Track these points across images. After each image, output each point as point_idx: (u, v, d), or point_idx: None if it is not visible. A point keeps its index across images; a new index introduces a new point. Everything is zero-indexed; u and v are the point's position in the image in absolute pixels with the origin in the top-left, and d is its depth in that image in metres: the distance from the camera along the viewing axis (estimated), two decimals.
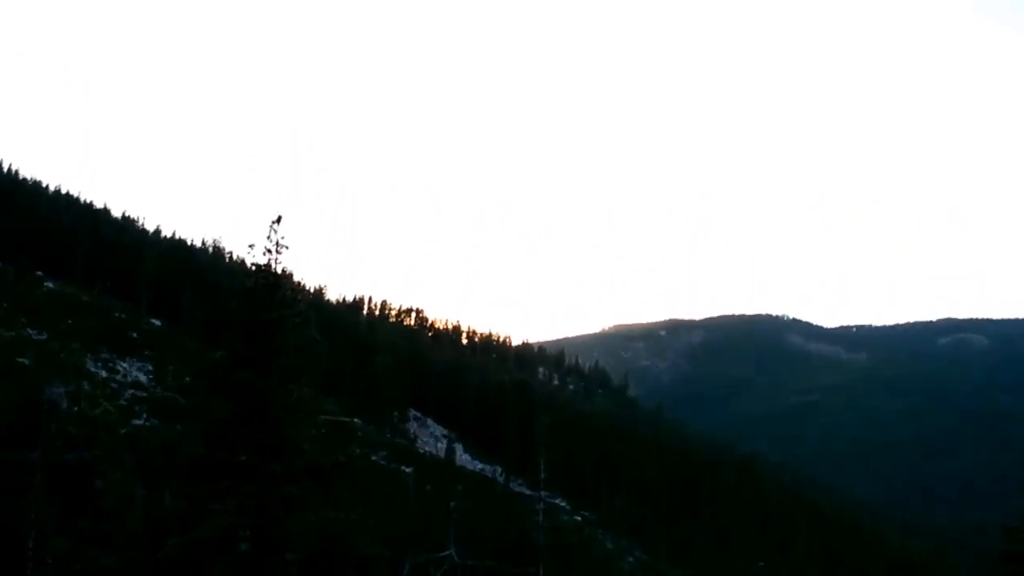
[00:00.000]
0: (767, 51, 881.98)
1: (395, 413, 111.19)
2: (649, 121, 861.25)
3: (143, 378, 70.16)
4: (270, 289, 20.80)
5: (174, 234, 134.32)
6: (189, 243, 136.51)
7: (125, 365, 71.86)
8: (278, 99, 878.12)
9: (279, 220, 21.42)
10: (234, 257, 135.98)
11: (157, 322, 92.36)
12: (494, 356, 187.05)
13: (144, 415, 56.60)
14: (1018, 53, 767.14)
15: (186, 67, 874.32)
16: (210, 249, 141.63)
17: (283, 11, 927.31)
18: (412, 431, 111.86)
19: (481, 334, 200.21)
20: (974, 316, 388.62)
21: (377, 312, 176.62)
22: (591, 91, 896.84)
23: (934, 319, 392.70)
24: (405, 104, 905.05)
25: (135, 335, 79.40)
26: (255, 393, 19.67)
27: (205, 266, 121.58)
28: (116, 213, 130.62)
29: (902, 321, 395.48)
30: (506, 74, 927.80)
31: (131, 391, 64.07)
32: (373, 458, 74.84)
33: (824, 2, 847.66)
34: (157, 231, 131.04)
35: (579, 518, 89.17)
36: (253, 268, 21.32)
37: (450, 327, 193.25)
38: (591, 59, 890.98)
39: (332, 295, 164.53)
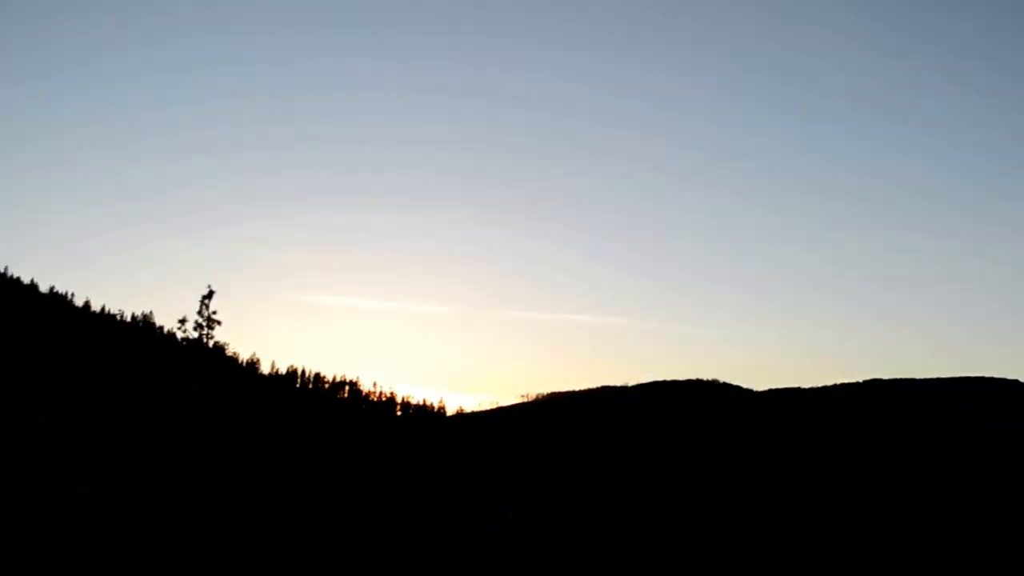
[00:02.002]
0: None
1: None
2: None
3: None
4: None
5: (103, 308, 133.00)
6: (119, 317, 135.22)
7: None
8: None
9: (210, 295, 21.72)
10: (164, 331, 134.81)
11: None
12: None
13: None
14: None
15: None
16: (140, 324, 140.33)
17: None
18: None
19: (415, 404, 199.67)
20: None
21: (311, 384, 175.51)
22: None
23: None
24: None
25: None
26: None
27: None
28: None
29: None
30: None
31: None
32: None
33: None
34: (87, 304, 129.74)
35: None
36: (184, 343, 21.59)
37: (385, 396, 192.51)
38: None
39: (266, 367, 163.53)
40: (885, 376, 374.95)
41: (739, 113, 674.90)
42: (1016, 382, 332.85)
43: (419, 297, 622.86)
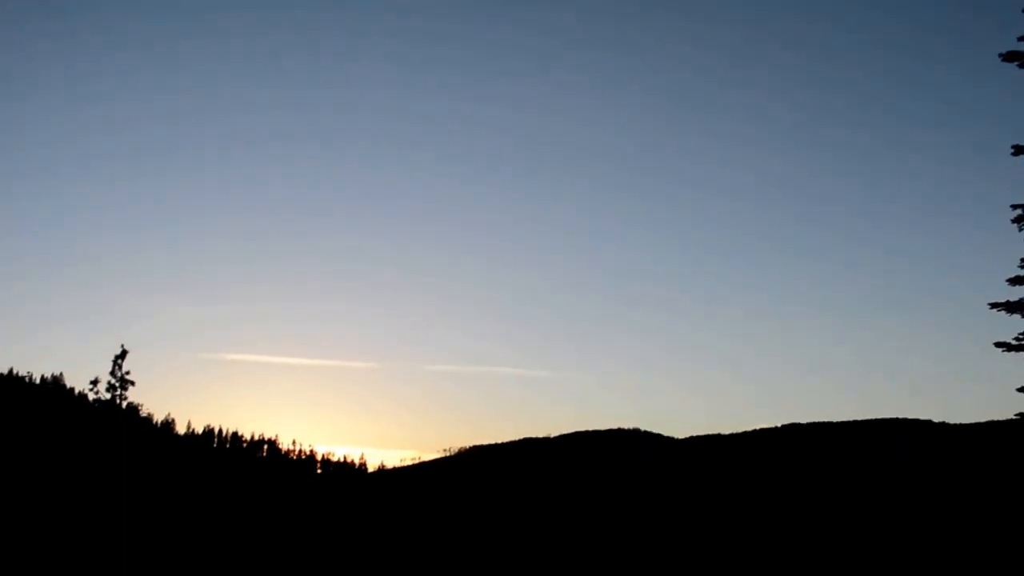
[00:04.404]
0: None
1: None
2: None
3: None
4: None
5: (11, 370, 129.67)
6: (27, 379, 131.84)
7: None
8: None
9: (124, 355, 21.50)
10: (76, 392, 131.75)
11: None
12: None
13: None
14: None
15: None
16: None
17: None
18: None
19: (336, 461, 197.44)
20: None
21: (229, 444, 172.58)
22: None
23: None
24: None
25: None
26: None
27: None
28: None
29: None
30: None
31: None
32: None
33: None
34: None
35: None
36: (96, 405, 21.24)
37: (305, 454, 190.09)
38: None
39: (182, 428, 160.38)
40: (803, 420, 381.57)
41: (650, 167, 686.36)
42: (928, 422, 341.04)
43: (339, 353, 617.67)
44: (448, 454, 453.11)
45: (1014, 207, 30.70)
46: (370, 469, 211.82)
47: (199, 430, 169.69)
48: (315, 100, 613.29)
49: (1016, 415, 31.17)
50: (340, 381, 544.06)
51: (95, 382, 19.67)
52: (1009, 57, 30.75)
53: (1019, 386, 30.40)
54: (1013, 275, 30.65)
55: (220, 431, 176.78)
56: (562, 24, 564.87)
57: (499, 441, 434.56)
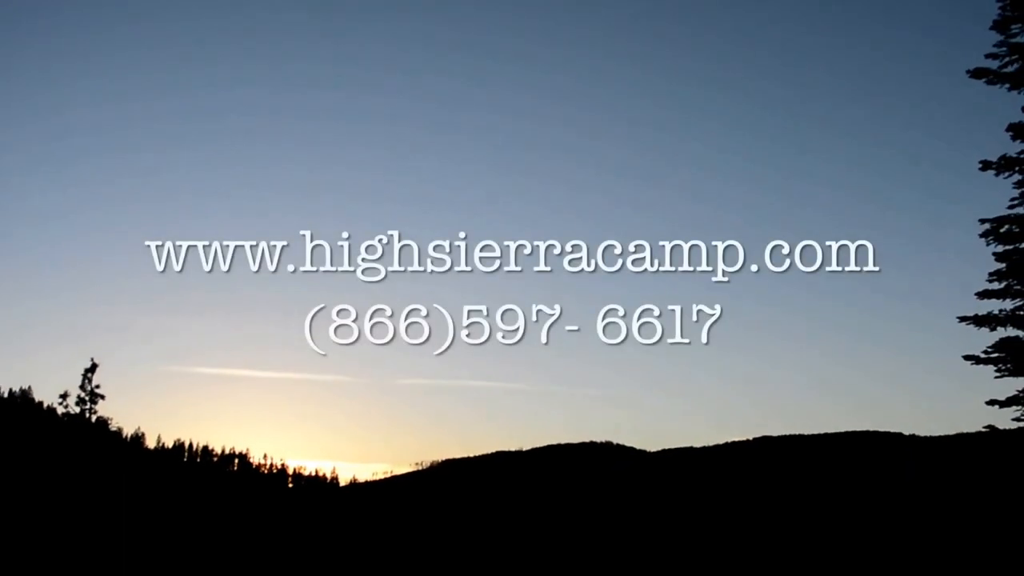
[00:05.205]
0: None
1: None
2: None
3: None
4: None
5: None
6: None
7: None
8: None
9: (93, 368, 21.43)
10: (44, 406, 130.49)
11: None
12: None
13: None
14: None
15: None
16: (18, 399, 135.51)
17: None
18: None
19: (308, 475, 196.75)
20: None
21: (199, 458, 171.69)
22: None
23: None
24: None
25: None
26: None
27: None
28: None
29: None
30: None
31: None
32: None
33: None
34: None
35: None
36: (66, 419, 21.18)
37: (276, 468, 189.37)
38: None
39: (152, 441, 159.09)
40: (774, 433, 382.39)
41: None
42: (899, 435, 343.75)
43: (310, 366, 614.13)
44: (420, 468, 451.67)
45: (982, 221, 31.14)
46: (342, 483, 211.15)
47: (169, 444, 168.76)
48: (286, 111, 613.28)
49: (985, 427, 31.51)
50: (311, 394, 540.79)
51: (64, 396, 19.57)
52: (976, 74, 31.22)
53: (988, 399, 30.77)
54: (982, 289, 31.08)
55: (190, 445, 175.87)
56: None
57: (471, 455, 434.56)
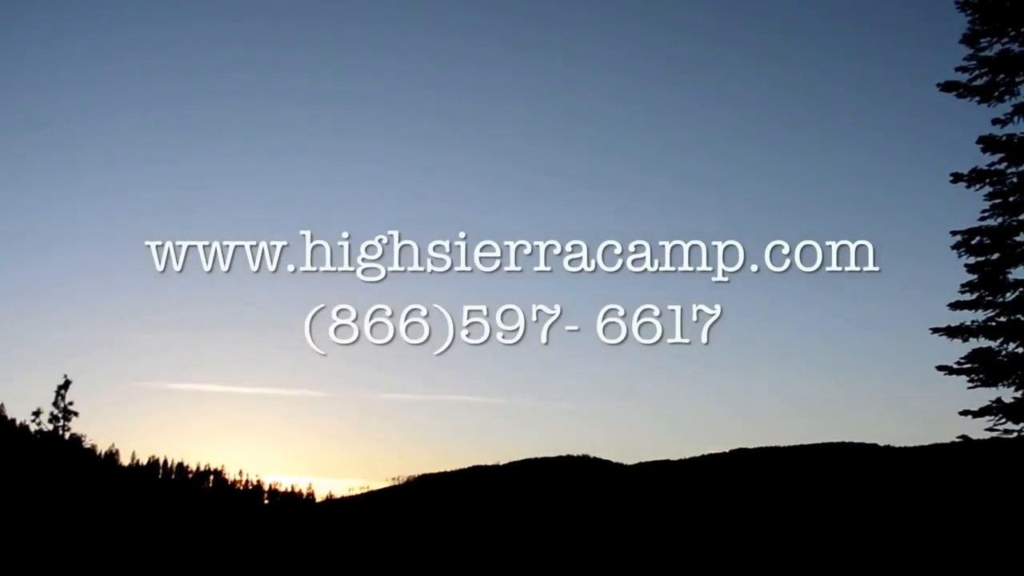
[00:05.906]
0: None
1: None
2: None
3: None
4: None
5: None
6: None
7: None
8: None
9: (67, 385, 21.27)
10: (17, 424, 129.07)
11: None
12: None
13: None
14: None
15: None
16: None
17: None
18: None
19: (284, 491, 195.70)
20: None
21: (174, 475, 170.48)
22: None
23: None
24: None
25: None
26: None
27: None
28: None
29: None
30: None
31: None
32: None
33: None
34: None
35: None
36: (38, 436, 21.01)
37: (252, 484, 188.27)
38: None
39: (126, 458, 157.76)
40: (750, 446, 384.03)
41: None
42: (874, 446, 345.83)
43: (286, 381, 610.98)
44: (397, 483, 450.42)
45: (954, 233, 31.43)
46: (318, 499, 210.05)
47: (143, 461, 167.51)
48: (268, 123, 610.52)
49: (958, 437, 31.72)
50: (287, 410, 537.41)
51: (37, 413, 19.38)
52: (947, 87, 31.55)
53: (961, 409, 30.99)
54: (954, 300, 31.36)
55: (165, 462, 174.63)
56: None
57: (448, 469, 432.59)
